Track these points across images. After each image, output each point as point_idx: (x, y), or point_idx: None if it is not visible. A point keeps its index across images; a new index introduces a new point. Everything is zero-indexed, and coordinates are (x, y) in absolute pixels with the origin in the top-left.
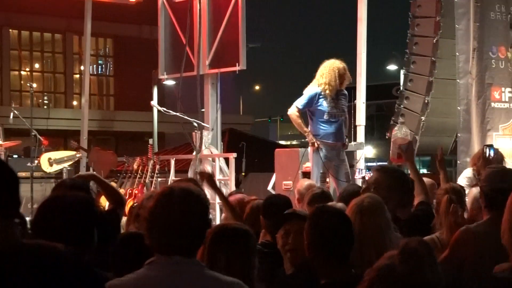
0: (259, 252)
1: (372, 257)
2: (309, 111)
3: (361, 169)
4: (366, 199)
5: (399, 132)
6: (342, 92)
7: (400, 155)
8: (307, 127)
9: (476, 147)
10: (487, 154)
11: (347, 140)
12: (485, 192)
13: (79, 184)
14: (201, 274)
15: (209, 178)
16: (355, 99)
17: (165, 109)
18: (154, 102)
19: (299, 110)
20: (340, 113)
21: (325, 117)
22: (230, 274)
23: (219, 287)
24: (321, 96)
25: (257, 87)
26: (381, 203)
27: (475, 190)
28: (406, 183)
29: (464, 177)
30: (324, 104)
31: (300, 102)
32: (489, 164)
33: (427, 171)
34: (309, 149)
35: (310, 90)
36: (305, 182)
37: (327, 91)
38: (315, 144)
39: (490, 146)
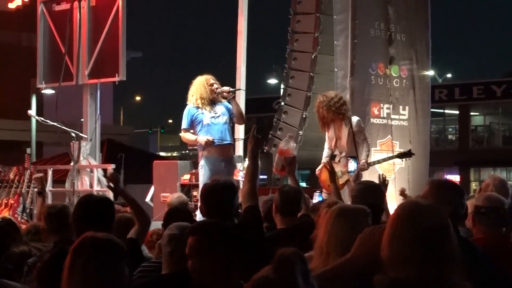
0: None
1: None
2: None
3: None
4: None
5: (286, 145)
6: (218, 102)
7: (284, 167)
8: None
9: None
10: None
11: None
12: None
13: None
14: None
15: (117, 180)
16: None
17: (42, 118)
18: (32, 111)
19: (187, 131)
20: (220, 116)
21: (205, 122)
22: (87, 279)
23: None
24: (196, 111)
25: (138, 98)
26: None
27: None
28: None
29: None
30: (201, 116)
31: (183, 124)
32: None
33: (306, 184)
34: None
35: (186, 109)
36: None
37: (200, 105)
38: (209, 140)
39: (354, 157)
